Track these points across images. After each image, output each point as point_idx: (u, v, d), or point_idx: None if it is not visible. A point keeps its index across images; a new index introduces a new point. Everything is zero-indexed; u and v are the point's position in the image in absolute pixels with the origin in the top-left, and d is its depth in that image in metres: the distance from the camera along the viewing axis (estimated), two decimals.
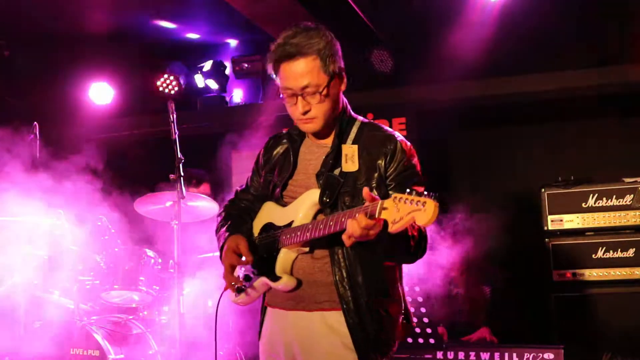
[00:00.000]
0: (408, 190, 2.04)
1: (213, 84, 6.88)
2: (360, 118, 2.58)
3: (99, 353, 4.34)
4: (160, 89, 6.73)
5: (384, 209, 2.07)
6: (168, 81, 6.74)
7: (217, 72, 6.86)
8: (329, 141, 2.51)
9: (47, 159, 5.14)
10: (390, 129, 2.55)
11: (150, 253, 4.85)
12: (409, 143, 2.52)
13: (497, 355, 4.09)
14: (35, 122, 4.76)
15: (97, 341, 4.36)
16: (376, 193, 2.36)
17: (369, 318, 2.37)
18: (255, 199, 2.72)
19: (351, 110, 2.58)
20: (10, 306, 4.77)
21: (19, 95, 6.73)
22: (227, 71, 6.96)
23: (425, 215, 1.97)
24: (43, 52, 6.65)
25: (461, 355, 4.15)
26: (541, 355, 3.99)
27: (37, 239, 4.82)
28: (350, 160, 2.44)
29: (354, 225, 2.11)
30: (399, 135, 2.52)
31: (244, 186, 2.82)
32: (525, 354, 4.01)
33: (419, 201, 1.99)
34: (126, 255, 4.77)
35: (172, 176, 3.89)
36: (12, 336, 4.74)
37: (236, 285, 2.55)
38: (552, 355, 3.97)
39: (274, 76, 2.51)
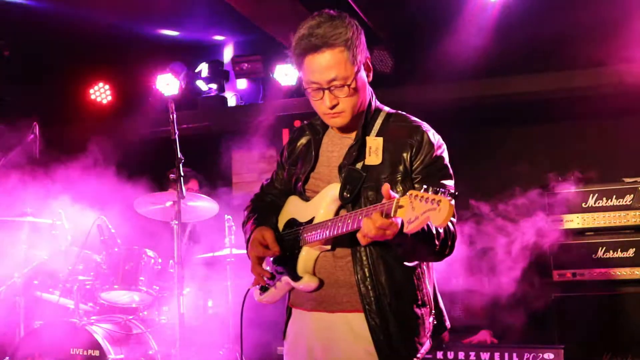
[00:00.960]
0: (425, 186, 1.91)
1: (213, 85, 6.89)
2: (387, 109, 2.46)
3: (99, 353, 4.33)
4: (160, 89, 6.73)
5: (400, 207, 1.96)
6: (167, 81, 6.73)
7: (215, 73, 6.86)
8: (353, 133, 2.39)
9: (46, 159, 5.14)
10: (418, 120, 2.43)
11: (150, 253, 4.85)
12: (437, 134, 2.40)
13: (497, 355, 4.08)
14: (35, 122, 4.76)
15: (97, 341, 4.35)
16: (401, 188, 2.27)
17: (392, 319, 2.26)
18: (280, 192, 2.62)
19: (377, 101, 2.46)
20: (11, 306, 4.78)
21: (18, 95, 6.73)
22: (228, 71, 6.97)
23: (440, 215, 1.85)
24: (43, 52, 6.65)
25: (461, 355, 4.14)
26: (541, 355, 3.99)
27: (37, 239, 4.82)
28: (374, 153, 2.32)
29: (369, 225, 2.00)
30: (426, 127, 2.39)
31: (269, 180, 2.72)
32: (525, 354, 4.01)
33: (434, 199, 1.87)
34: (126, 255, 4.77)
35: (172, 176, 3.88)
36: (12, 336, 4.74)
37: (264, 278, 2.47)
38: (552, 355, 3.97)
39: (298, 70, 2.36)
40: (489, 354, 4.09)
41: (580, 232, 5.02)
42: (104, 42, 6.51)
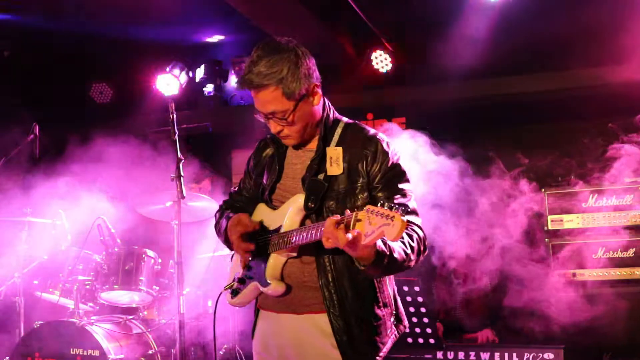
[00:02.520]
0: (381, 202, 2.04)
1: (212, 86, 6.90)
2: (345, 119, 2.57)
3: (99, 353, 4.34)
4: (160, 89, 6.72)
5: (358, 220, 2.07)
6: (167, 81, 6.72)
7: (214, 73, 6.86)
8: (314, 145, 2.51)
9: (46, 159, 5.14)
10: (373, 130, 2.53)
11: (150, 253, 4.85)
12: (391, 143, 2.50)
13: (497, 355, 4.08)
14: (35, 122, 4.76)
15: (97, 341, 4.36)
16: (360, 197, 2.39)
17: (355, 321, 2.38)
18: (248, 200, 2.73)
19: (335, 112, 2.56)
20: (11, 306, 4.78)
21: (19, 95, 6.73)
22: (228, 70, 6.97)
23: (394, 230, 1.97)
24: (43, 52, 6.65)
25: (461, 355, 4.14)
26: (541, 355, 3.99)
27: (37, 239, 4.82)
28: (335, 163, 2.44)
29: (334, 239, 2.12)
30: (381, 136, 2.50)
31: (237, 188, 2.83)
32: (525, 354, 4.01)
33: (388, 215, 1.98)
34: (126, 255, 4.77)
35: (172, 176, 3.88)
36: (12, 336, 4.75)
37: (235, 284, 2.58)
38: (552, 355, 3.97)
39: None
40: (489, 354, 4.09)
41: (580, 232, 5.02)
42: (104, 42, 6.50)
